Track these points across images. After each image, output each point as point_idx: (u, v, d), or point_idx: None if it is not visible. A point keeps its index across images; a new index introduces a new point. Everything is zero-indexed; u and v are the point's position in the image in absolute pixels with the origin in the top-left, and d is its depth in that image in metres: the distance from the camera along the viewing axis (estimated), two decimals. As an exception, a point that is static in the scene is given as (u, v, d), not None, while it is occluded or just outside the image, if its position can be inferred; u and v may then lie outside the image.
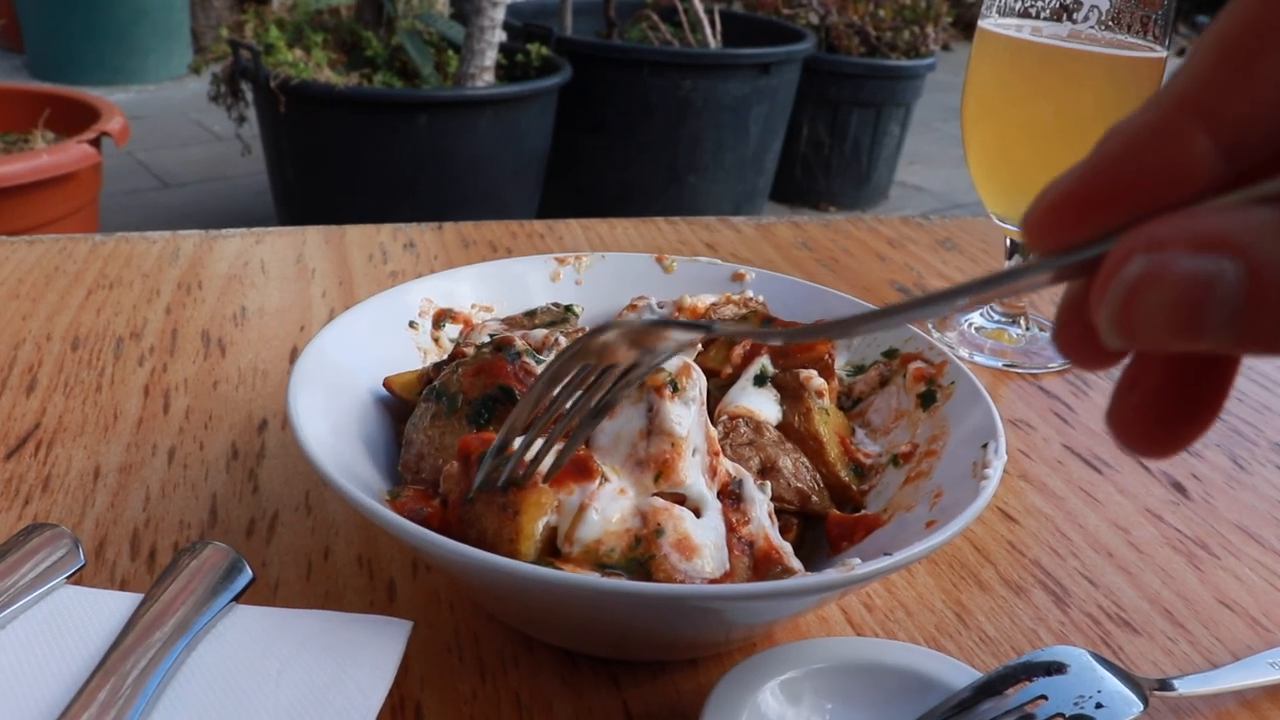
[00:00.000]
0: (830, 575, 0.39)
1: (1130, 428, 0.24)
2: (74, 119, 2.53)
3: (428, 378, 0.55)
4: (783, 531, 0.50)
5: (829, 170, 3.82)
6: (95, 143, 2.36)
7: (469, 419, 0.51)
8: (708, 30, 3.43)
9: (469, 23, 2.79)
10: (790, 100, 3.42)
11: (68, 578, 0.45)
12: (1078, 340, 0.24)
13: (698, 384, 0.48)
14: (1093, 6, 0.74)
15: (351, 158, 2.72)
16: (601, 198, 3.28)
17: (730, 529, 0.47)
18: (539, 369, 0.51)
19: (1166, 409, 0.24)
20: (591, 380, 0.43)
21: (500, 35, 2.82)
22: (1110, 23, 0.75)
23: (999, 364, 0.81)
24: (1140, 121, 0.22)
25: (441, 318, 0.62)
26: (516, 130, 2.80)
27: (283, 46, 2.77)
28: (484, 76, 2.80)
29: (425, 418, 0.52)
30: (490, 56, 2.80)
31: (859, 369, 0.62)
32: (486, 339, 0.55)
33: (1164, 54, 0.76)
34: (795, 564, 0.47)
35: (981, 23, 0.79)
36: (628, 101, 3.15)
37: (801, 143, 3.76)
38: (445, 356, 0.57)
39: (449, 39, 2.97)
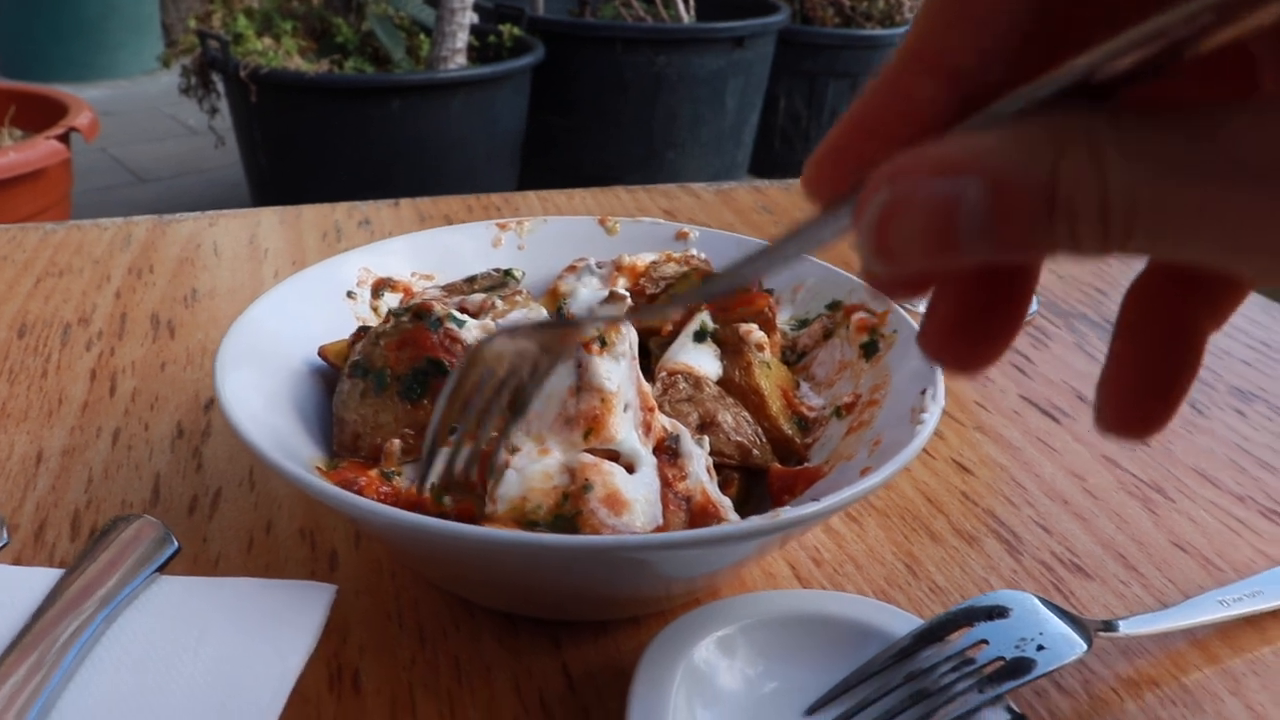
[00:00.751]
0: (753, 522, 0.39)
1: (936, 346, 0.27)
2: (42, 115, 2.51)
3: (353, 344, 0.54)
4: (723, 486, 0.50)
5: (808, 142, 3.80)
6: (64, 139, 2.34)
7: (401, 395, 0.50)
8: (680, 5, 3.40)
9: (439, 5, 2.76)
10: (766, 73, 3.40)
11: (-9, 556, 0.45)
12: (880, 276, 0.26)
13: (627, 338, 0.47)
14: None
15: (325, 145, 2.70)
16: (578, 177, 3.27)
17: (666, 484, 0.46)
18: (464, 334, 0.50)
19: (967, 327, 0.26)
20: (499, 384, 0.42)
21: (471, 17, 2.80)
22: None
23: (958, 319, 0.81)
24: (878, 77, 0.24)
25: (380, 287, 0.61)
26: (490, 112, 2.78)
27: (251, 35, 2.75)
28: (456, 59, 2.78)
29: (354, 395, 0.51)
30: (462, 38, 2.78)
31: (803, 323, 0.61)
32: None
33: None
34: (733, 517, 0.47)
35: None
36: (602, 79, 3.13)
37: (779, 115, 3.74)
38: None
39: (420, 22, 2.95)
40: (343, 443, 0.51)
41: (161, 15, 4.82)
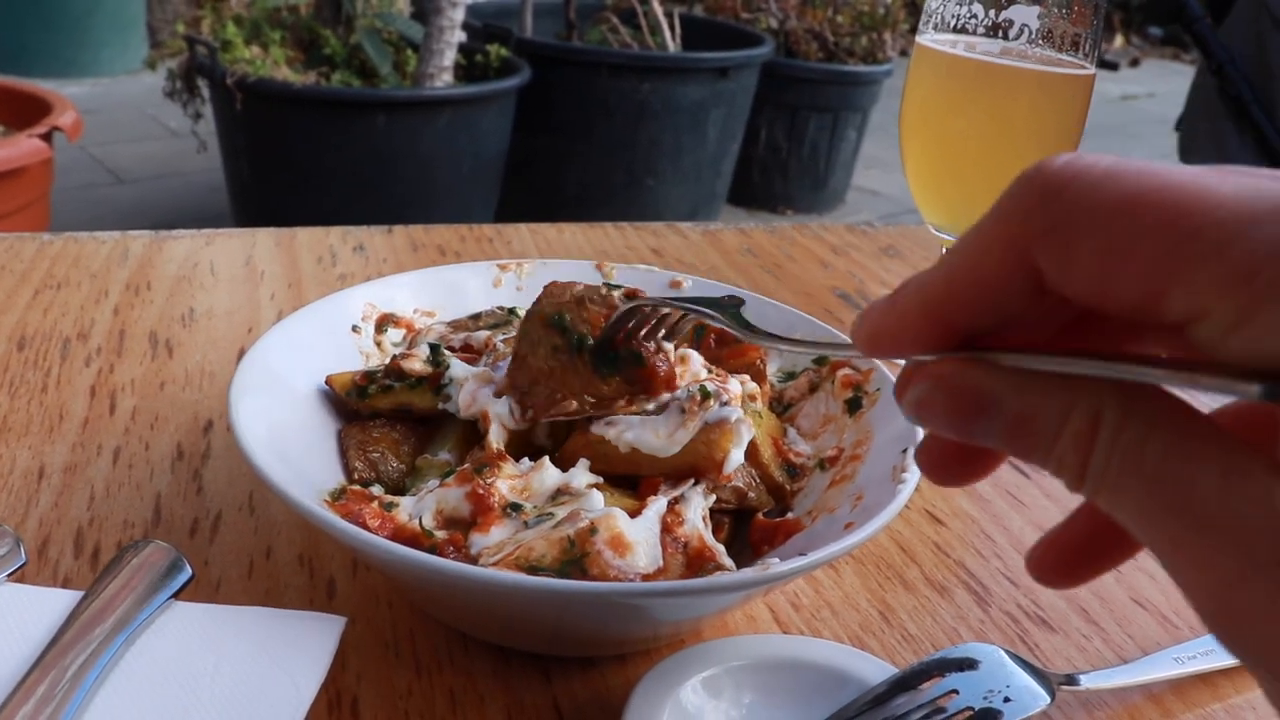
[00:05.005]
0: (746, 574, 0.41)
1: (927, 466, 0.33)
2: (25, 112, 2.51)
3: (364, 380, 0.56)
4: (714, 531, 0.52)
5: (786, 174, 3.85)
6: (46, 137, 2.34)
7: (593, 365, 0.52)
8: (667, 33, 3.45)
9: (428, 22, 2.79)
10: (748, 104, 3.45)
11: (9, 575, 0.46)
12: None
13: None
14: (1024, 25, 0.77)
15: (308, 156, 2.71)
16: (559, 200, 3.30)
17: (665, 529, 0.49)
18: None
19: (957, 458, 0.33)
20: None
21: (459, 35, 2.82)
22: (1041, 40, 0.77)
23: (934, 370, 0.84)
24: (897, 306, 0.30)
25: (384, 322, 0.63)
26: (475, 131, 2.80)
27: (240, 43, 2.76)
28: (443, 77, 2.81)
29: (546, 345, 0.52)
30: (449, 56, 2.80)
31: (790, 375, 0.64)
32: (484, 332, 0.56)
33: (1092, 71, 0.78)
34: (727, 562, 0.49)
35: (919, 38, 0.82)
36: (587, 104, 3.16)
37: (759, 147, 3.79)
38: (387, 361, 0.58)
39: (408, 38, 2.97)
40: (515, 380, 0.53)
41: (147, 16, 4.82)
